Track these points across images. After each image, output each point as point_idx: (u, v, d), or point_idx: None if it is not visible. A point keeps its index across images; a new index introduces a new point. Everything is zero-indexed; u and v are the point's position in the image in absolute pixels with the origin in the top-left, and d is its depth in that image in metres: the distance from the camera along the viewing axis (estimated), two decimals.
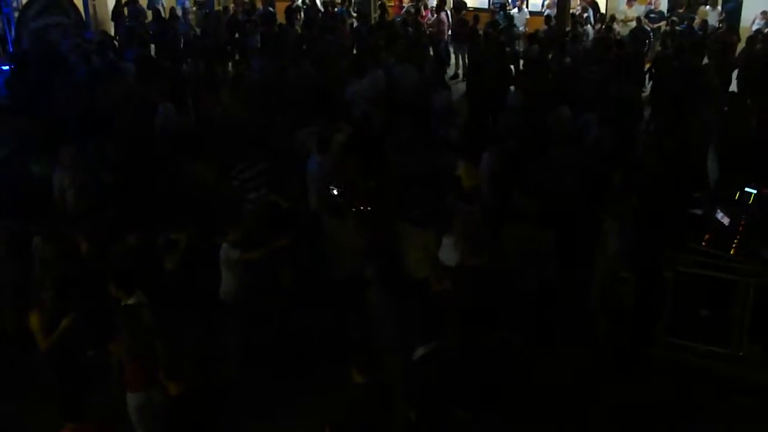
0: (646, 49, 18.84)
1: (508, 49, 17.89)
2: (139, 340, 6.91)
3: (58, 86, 14.14)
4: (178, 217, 9.27)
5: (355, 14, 22.93)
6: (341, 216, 9.02)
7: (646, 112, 13.78)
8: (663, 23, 21.53)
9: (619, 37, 18.73)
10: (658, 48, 18.37)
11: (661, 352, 8.59)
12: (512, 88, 14.71)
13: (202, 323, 8.65)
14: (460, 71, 20.44)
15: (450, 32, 21.16)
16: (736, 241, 8.67)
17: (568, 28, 19.18)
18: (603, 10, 23.57)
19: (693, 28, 19.80)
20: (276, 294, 9.05)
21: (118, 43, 18.86)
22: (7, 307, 8.93)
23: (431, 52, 18.95)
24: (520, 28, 21.59)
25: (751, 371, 8.29)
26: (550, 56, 16.53)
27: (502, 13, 21.94)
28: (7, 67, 16.67)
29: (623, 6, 23.50)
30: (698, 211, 9.45)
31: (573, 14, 21.14)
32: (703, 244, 8.67)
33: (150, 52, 18.26)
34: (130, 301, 7.29)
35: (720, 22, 20.89)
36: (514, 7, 23.61)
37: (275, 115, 12.77)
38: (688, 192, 9.96)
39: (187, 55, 17.65)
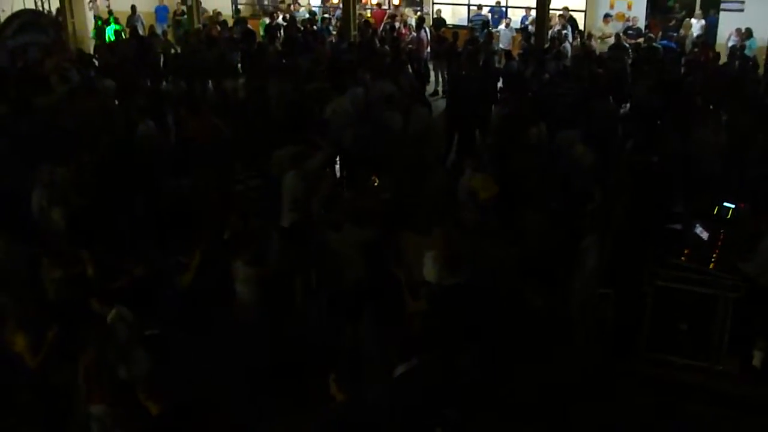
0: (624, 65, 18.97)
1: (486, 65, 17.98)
2: (104, 354, 6.86)
3: (38, 104, 14.06)
4: (189, 235, 9.26)
5: (334, 32, 23.01)
6: (338, 228, 9.04)
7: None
8: (641, 40, 21.75)
9: (597, 54, 18.86)
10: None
11: (641, 367, 8.62)
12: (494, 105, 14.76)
13: (199, 342, 8.59)
14: (440, 88, 20.53)
15: (429, 49, 21.25)
16: (715, 255, 8.74)
17: (546, 45, 19.34)
18: (581, 26, 23.81)
19: (669, 44, 20.00)
20: (291, 309, 9.14)
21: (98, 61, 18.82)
22: None
23: (411, 70, 19.02)
24: (501, 46, 21.75)
25: (729, 385, 8.33)
26: (528, 73, 16.62)
27: (485, 30, 22.07)
28: None
29: (600, 23, 23.79)
30: (677, 226, 9.53)
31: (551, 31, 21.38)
32: (683, 258, 8.74)
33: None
34: (111, 315, 7.24)
35: (698, 38, 21.12)
36: (495, 26, 23.82)
37: (255, 133, 12.75)
38: (667, 207, 10.04)
39: (166, 73, 17.63)
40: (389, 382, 6.49)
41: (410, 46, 21.22)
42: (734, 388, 8.30)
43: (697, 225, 9.28)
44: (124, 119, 13.17)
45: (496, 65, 19.02)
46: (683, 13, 23.99)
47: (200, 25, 24.21)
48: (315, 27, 23.57)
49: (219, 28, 23.30)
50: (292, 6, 28.17)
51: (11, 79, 15.59)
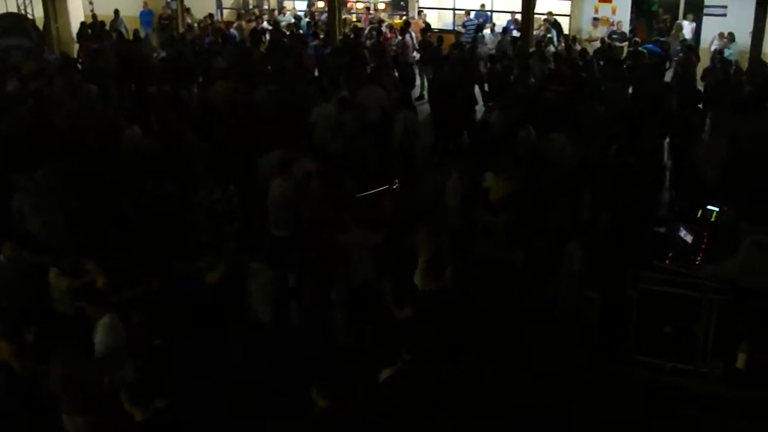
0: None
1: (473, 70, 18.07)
2: (73, 364, 6.83)
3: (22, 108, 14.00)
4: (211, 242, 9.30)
5: (321, 36, 22.99)
6: (344, 230, 9.08)
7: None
8: (626, 44, 21.87)
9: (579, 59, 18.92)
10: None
11: (626, 370, 8.64)
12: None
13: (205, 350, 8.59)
14: (426, 92, 20.54)
15: (415, 54, 21.28)
16: (699, 258, 8.78)
17: (532, 49, 19.40)
18: (566, 30, 23.91)
19: (654, 49, 20.08)
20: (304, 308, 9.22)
21: (82, 65, 18.77)
22: None
23: (396, 74, 19.05)
24: (486, 49, 21.79)
25: (714, 387, 8.37)
26: (513, 76, 16.69)
27: (479, 34, 22.09)
28: None
29: (588, 26, 23.92)
30: (661, 229, 9.57)
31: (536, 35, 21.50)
32: (667, 261, 8.78)
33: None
34: (104, 321, 7.20)
35: (681, 43, 21.23)
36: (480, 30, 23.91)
37: (240, 138, 12.72)
38: (651, 210, 10.09)
39: (151, 77, 17.55)
40: (376, 386, 6.49)
41: (395, 50, 21.22)
42: (719, 390, 8.33)
43: (681, 228, 9.33)
44: (108, 124, 13.11)
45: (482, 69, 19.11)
46: (668, 17, 24.12)
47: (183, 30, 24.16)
48: (300, 31, 23.56)
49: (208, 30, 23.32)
50: (277, 11, 28.16)
51: None
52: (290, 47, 20.00)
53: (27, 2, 23.75)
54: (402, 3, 28.47)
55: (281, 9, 28.95)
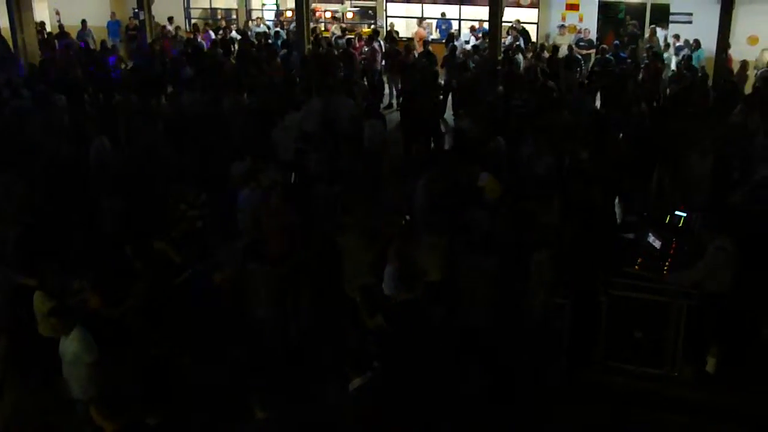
0: (578, 75, 19.22)
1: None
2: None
3: None
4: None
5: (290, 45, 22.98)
6: (344, 231, 9.09)
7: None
8: (593, 51, 22.05)
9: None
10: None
11: (598, 376, 8.68)
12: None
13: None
14: (394, 101, 20.56)
15: (383, 62, 21.32)
16: (667, 264, 8.85)
17: (499, 57, 19.52)
18: (534, 38, 24.09)
19: (621, 55, 20.27)
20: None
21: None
22: None
23: (365, 82, 19.08)
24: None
25: (685, 391, 8.43)
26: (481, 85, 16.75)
27: (450, 44, 22.24)
28: None
29: (555, 34, 24.12)
30: (630, 235, 9.63)
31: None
32: (636, 267, 8.84)
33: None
34: (70, 338, 7.13)
35: (648, 49, 21.43)
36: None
37: (210, 147, 12.67)
38: (617, 216, 10.16)
39: (118, 88, 17.44)
40: (346, 396, 6.47)
41: (364, 59, 21.24)
42: (690, 394, 8.40)
43: (650, 234, 9.40)
44: (76, 134, 13.01)
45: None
46: (633, 23, 24.36)
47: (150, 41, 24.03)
48: (269, 41, 23.53)
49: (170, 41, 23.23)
50: (250, 22, 28.08)
51: None
52: (259, 57, 19.99)
53: None
54: (370, 12, 28.55)
55: (250, 19, 28.88)
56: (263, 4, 30.56)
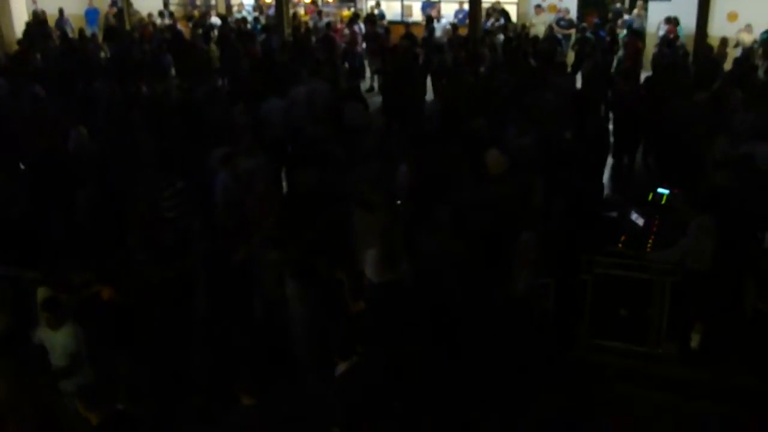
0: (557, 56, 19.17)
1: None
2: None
3: None
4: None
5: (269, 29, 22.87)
6: (371, 209, 8.98)
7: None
8: (573, 30, 22.03)
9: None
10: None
11: (583, 354, 8.72)
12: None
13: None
14: (376, 84, 20.51)
15: (364, 45, 21.25)
16: (650, 242, 8.88)
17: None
18: (514, 19, 24.06)
19: (600, 34, 20.27)
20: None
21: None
22: None
23: (346, 66, 19.01)
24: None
25: (669, 367, 8.48)
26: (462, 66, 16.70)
27: (430, 26, 22.21)
28: None
29: (531, 14, 24.12)
30: (613, 214, 9.66)
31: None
32: (619, 245, 8.87)
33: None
34: (61, 332, 7.12)
35: (628, 27, 21.47)
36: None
37: (189, 134, 12.60)
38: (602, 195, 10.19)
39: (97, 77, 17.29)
40: (331, 381, 6.47)
41: (344, 42, 21.17)
42: (674, 370, 8.44)
43: (633, 212, 9.42)
44: (55, 125, 12.89)
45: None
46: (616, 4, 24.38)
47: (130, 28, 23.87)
48: (248, 26, 23.42)
49: (151, 29, 23.05)
50: (235, 8, 27.92)
51: None
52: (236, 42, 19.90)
53: None
54: None
55: (230, 6, 28.73)
56: None
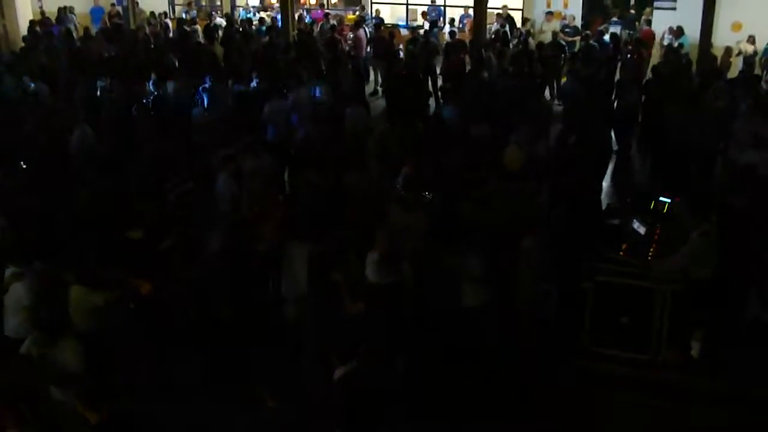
0: (561, 62, 19.20)
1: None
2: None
3: None
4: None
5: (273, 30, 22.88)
6: (408, 209, 9.04)
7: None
8: (577, 38, 22.04)
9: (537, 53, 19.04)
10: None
11: (584, 362, 8.72)
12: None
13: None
14: (380, 87, 20.52)
15: (369, 49, 21.26)
16: (651, 250, 8.88)
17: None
18: (519, 25, 24.06)
19: (604, 42, 20.27)
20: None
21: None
22: None
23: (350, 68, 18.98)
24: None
25: (670, 375, 8.48)
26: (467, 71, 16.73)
27: (434, 30, 22.18)
28: None
29: (541, 20, 24.10)
30: (615, 221, 9.67)
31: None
32: (621, 253, 8.87)
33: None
34: (70, 344, 7.02)
35: (630, 36, 21.49)
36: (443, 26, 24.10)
37: (193, 135, 12.63)
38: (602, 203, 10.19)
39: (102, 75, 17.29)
40: (330, 385, 6.47)
41: (349, 45, 21.18)
42: (675, 379, 8.44)
43: (635, 220, 9.43)
44: (59, 124, 12.90)
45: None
46: (618, 10, 24.36)
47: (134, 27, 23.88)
48: (254, 27, 23.42)
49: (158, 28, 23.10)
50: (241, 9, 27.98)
51: None
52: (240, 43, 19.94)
53: None
54: None
55: (235, 6, 28.77)
56: None
